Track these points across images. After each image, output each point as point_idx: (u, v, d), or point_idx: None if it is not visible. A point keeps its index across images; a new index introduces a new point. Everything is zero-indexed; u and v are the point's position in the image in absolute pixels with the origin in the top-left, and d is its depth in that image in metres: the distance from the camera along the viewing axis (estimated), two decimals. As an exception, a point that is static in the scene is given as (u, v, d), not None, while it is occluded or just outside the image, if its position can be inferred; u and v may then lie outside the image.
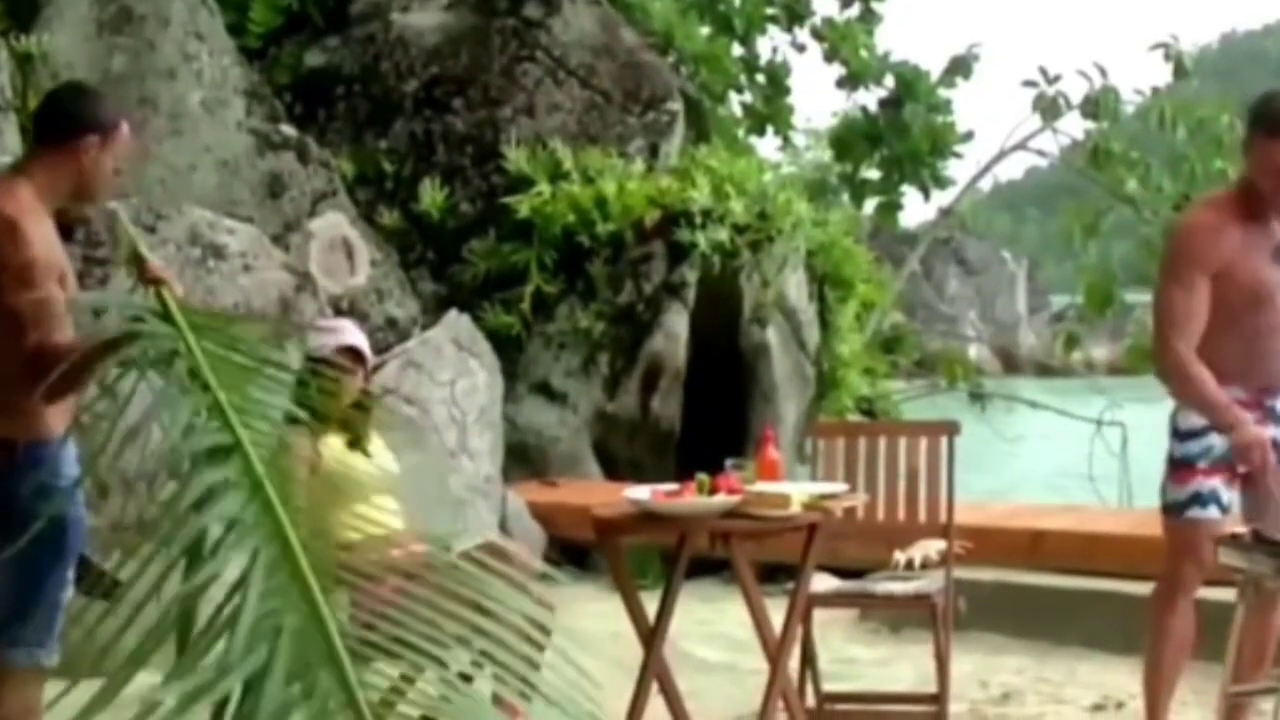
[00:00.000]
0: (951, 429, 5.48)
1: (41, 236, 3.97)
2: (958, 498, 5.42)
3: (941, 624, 5.20)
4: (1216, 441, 4.50)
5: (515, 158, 10.05)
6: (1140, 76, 13.90)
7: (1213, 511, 4.49)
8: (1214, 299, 4.46)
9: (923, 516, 5.44)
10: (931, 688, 5.33)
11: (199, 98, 8.54)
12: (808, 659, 5.29)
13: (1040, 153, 14.01)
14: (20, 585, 3.84)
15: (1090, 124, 13.04)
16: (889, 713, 5.61)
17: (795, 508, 4.76)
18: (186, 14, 8.64)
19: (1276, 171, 4.39)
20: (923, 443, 5.48)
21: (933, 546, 5.40)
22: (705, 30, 14.22)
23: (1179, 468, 4.54)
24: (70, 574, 3.96)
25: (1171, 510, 4.56)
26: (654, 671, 4.95)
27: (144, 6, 8.46)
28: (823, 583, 5.58)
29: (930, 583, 5.28)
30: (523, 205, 9.82)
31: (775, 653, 4.91)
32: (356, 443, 4.93)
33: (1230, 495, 4.54)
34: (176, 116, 8.40)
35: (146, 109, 8.32)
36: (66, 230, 4.61)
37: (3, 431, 3.66)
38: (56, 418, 3.86)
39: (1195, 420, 4.52)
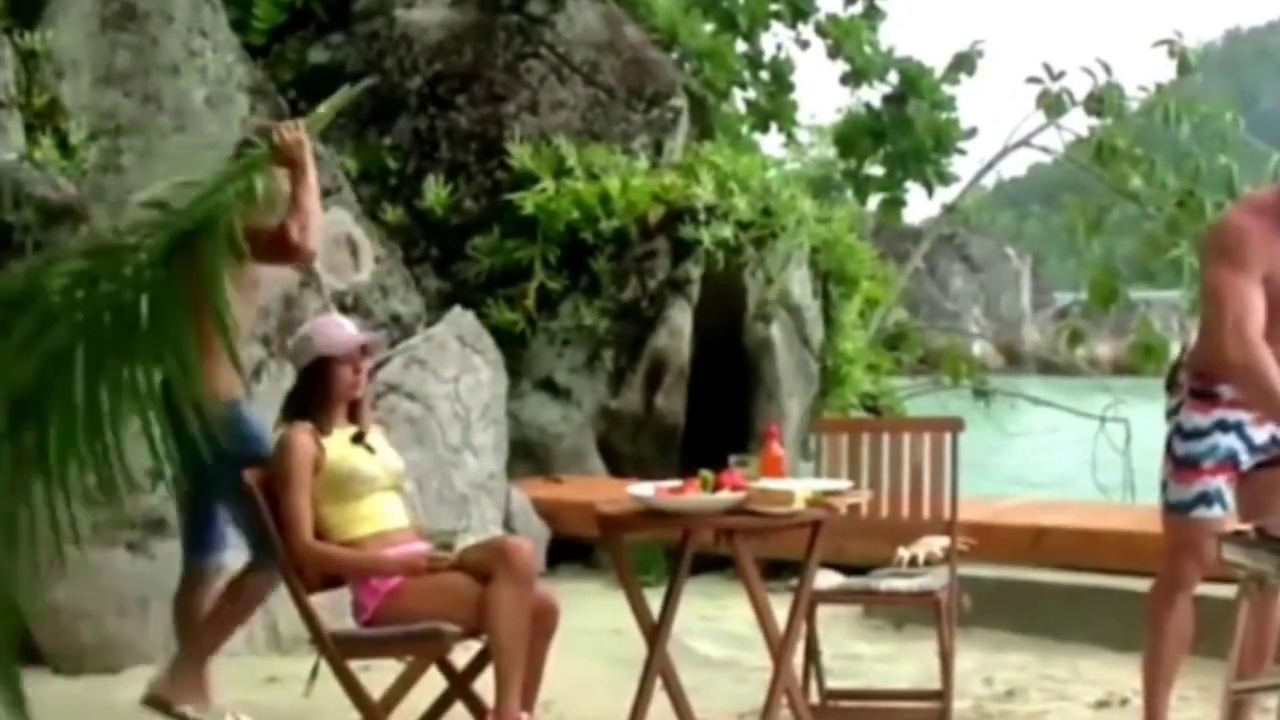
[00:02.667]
0: (955, 426, 5.47)
1: None
2: (961, 494, 5.41)
3: (945, 620, 5.19)
4: (1221, 441, 4.49)
5: (519, 154, 10.06)
6: (1144, 73, 13.88)
7: (1217, 510, 4.49)
8: None
9: (926, 513, 5.44)
10: (935, 684, 5.33)
11: (203, 94, 8.53)
12: (811, 655, 5.29)
13: (1044, 149, 13.99)
14: (245, 507, 4.88)
15: (1094, 120, 13.04)
16: (893, 709, 5.60)
17: (799, 504, 4.75)
18: (190, 10, 8.63)
19: None
20: (926, 439, 5.47)
21: (936, 543, 5.39)
22: (709, 27, 14.25)
23: (1184, 467, 4.53)
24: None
25: (1176, 509, 4.55)
26: (657, 668, 4.96)
27: (147, 3, 8.46)
28: (826, 579, 5.58)
29: (934, 579, 5.28)
30: (527, 202, 9.83)
31: (779, 649, 4.91)
32: (360, 438, 4.94)
33: (1230, 494, 4.53)
34: (180, 113, 8.39)
35: (150, 106, 8.32)
36: None
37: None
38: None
39: (1200, 420, 4.51)
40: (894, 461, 5.49)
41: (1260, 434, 4.53)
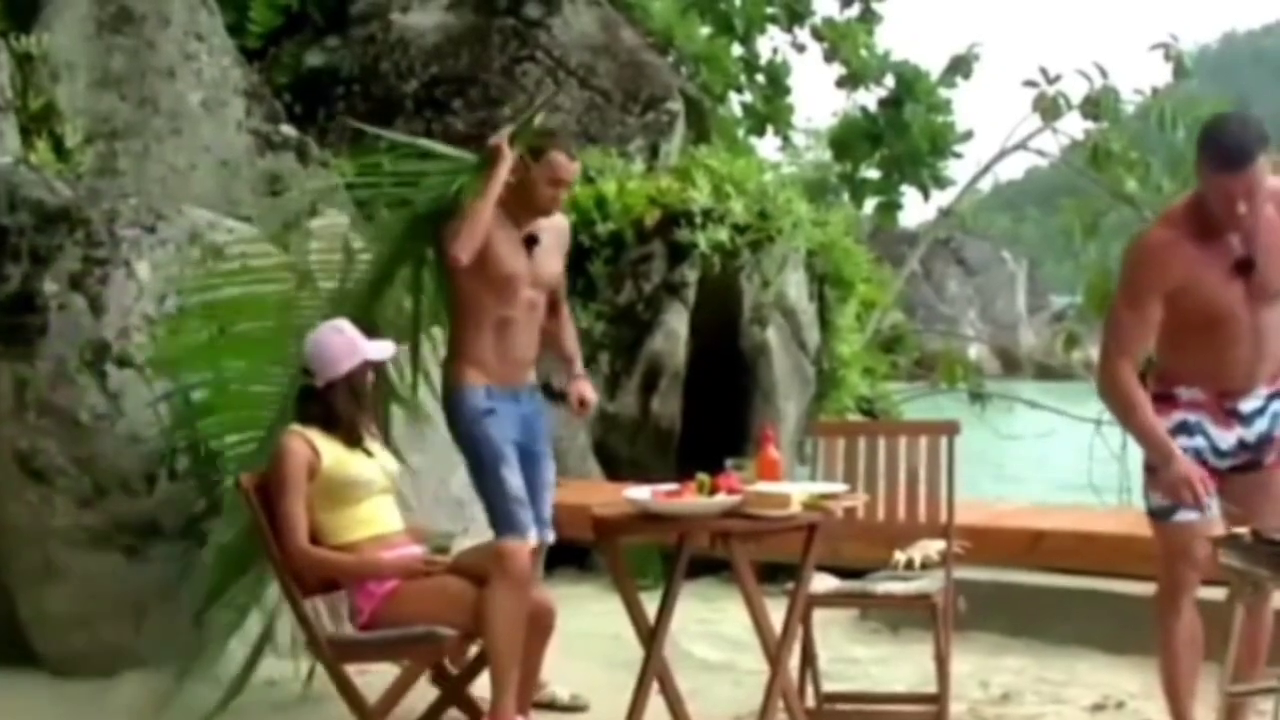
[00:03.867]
0: (951, 429, 5.48)
1: None
2: (957, 497, 5.42)
3: (941, 624, 5.19)
4: (1186, 443, 4.48)
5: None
6: (1140, 76, 13.94)
7: (1197, 513, 4.47)
8: (1172, 315, 4.44)
9: (922, 516, 5.44)
10: (931, 687, 5.33)
11: (199, 98, 8.54)
12: (808, 659, 5.29)
13: (1040, 153, 14.01)
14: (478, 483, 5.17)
15: (1090, 124, 13.05)
16: (889, 713, 5.60)
17: (795, 507, 4.76)
18: (186, 14, 8.64)
19: (1228, 201, 4.33)
20: (923, 442, 5.48)
21: (933, 546, 5.39)
22: (705, 30, 14.26)
23: (1156, 472, 4.52)
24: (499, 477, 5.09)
25: (1158, 515, 4.54)
26: (654, 671, 4.96)
27: (144, 6, 8.46)
28: (822, 582, 5.57)
29: (930, 582, 5.28)
30: (523, 205, 9.81)
31: (775, 652, 4.91)
32: (359, 442, 4.94)
33: (1212, 493, 4.51)
34: (176, 116, 8.40)
35: (146, 109, 8.32)
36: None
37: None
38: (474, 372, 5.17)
39: (1162, 423, 4.50)
40: (890, 465, 5.49)
41: (1227, 438, 4.53)
